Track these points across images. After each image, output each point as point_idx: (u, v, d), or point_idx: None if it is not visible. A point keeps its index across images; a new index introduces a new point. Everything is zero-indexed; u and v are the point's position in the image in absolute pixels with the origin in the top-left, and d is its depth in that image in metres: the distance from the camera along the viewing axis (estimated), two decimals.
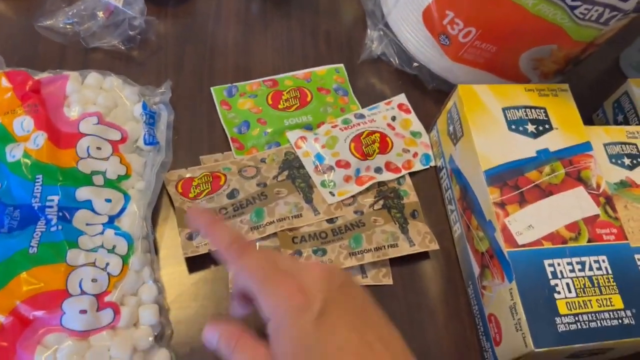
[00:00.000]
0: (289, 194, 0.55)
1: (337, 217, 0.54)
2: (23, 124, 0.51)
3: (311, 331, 0.34)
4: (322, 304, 0.34)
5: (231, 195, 0.55)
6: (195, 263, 0.52)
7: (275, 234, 0.53)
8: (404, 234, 0.54)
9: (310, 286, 0.35)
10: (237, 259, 0.37)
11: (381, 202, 0.56)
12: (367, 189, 0.56)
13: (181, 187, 0.54)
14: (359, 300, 0.37)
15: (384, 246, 0.53)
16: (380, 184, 0.57)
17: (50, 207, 0.47)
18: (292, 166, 0.57)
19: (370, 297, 0.38)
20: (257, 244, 0.53)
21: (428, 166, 0.60)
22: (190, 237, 0.51)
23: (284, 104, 0.61)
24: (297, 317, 0.34)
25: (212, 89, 0.62)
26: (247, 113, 0.60)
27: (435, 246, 0.54)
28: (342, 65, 0.66)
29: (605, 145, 0.56)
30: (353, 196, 0.56)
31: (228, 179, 0.55)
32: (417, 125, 0.63)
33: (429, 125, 0.63)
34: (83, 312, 0.44)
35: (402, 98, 0.64)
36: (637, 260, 0.48)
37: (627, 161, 0.55)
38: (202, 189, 0.55)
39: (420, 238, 0.54)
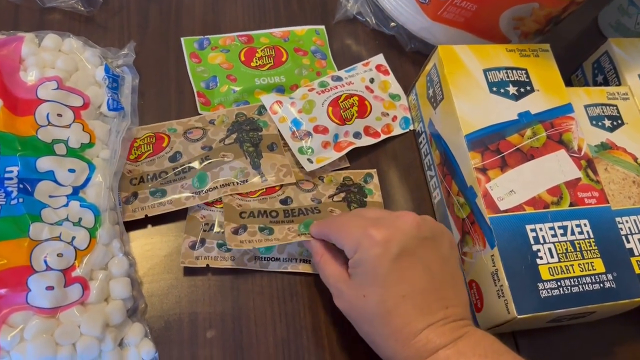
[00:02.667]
0: (235, 159, 0.51)
1: (289, 198, 0.51)
2: None
3: (383, 272, 0.40)
4: (399, 250, 0.40)
5: (173, 158, 0.52)
6: (168, 234, 0.50)
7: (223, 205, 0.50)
8: None
9: (398, 229, 0.40)
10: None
11: (342, 194, 0.53)
12: (331, 181, 0.54)
13: None
14: (437, 256, 0.41)
15: None
16: (346, 178, 0.54)
17: (10, 179, 0.44)
18: (241, 129, 0.53)
19: (455, 254, 0.43)
20: (202, 213, 0.50)
21: (408, 130, 0.59)
22: (127, 202, 0.49)
23: (256, 62, 0.58)
24: (375, 256, 0.40)
25: (182, 39, 0.59)
26: (217, 68, 0.57)
27: None
28: (323, 27, 0.63)
29: (586, 107, 0.55)
30: (314, 183, 0.53)
31: (172, 140, 0.52)
32: (395, 87, 0.61)
33: (407, 88, 0.61)
34: (50, 288, 0.42)
35: (380, 59, 0.62)
36: (617, 223, 0.48)
37: (607, 123, 0.54)
38: (143, 150, 0.52)
39: None
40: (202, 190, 0.50)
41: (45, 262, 0.43)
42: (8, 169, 0.45)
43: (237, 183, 0.50)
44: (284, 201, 0.51)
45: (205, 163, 0.51)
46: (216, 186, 0.50)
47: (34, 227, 0.43)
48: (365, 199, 0.53)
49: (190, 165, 0.51)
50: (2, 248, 0.42)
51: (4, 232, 0.43)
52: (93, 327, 0.42)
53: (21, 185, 0.45)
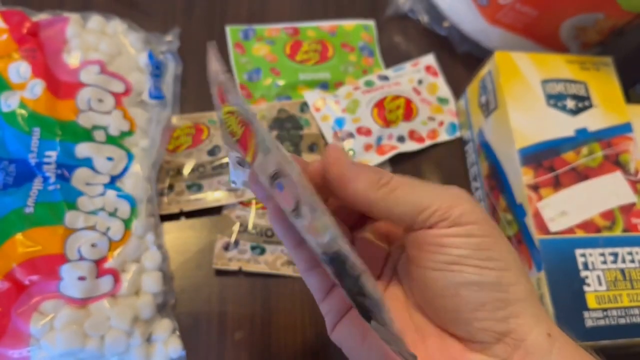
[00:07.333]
0: None
1: None
2: (20, 70, 0.46)
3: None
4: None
5: (212, 152, 0.51)
6: (201, 230, 0.49)
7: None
8: None
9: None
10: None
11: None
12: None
13: None
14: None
15: None
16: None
17: (48, 163, 0.44)
18: (282, 127, 0.52)
19: None
20: (236, 213, 0.49)
21: (454, 137, 0.56)
22: (162, 194, 0.49)
23: (302, 56, 0.56)
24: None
25: (227, 28, 0.57)
26: (261, 60, 0.56)
27: None
28: (372, 22, 0.61)
29: None
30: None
31: (211, 133, 0.51)
32: (444, 90, 0.58)
33: (457, 92, 0.58)
34: (82, 278, 0.41)
35: (430, 59, 0.59)
36: None
37: None
38: (182, 141, 0.51)
39: None
40: (238, 188, 0.49)
41: (79, 251, 0.42)
42: (47, 153, 0.44)
43: None
44: None
45: None
46: None
47: (70, 215, 0.43)
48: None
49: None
50: (37, 234, 0.42)
51: (40, 218, 0.42)
52: (122, 321, 0.42)
53: (59, 171, 0.44)
